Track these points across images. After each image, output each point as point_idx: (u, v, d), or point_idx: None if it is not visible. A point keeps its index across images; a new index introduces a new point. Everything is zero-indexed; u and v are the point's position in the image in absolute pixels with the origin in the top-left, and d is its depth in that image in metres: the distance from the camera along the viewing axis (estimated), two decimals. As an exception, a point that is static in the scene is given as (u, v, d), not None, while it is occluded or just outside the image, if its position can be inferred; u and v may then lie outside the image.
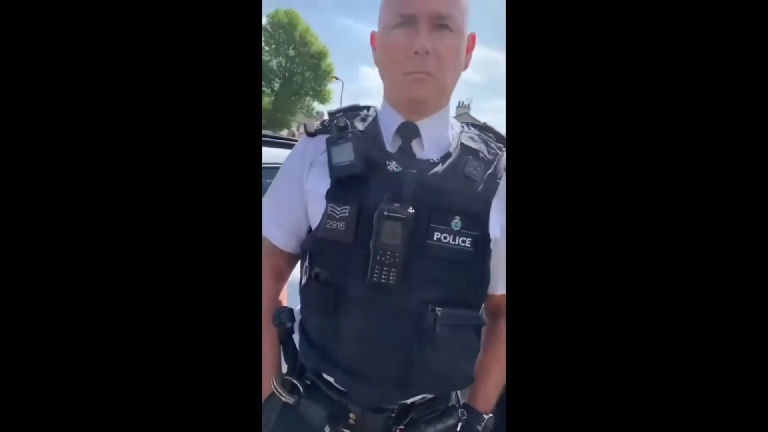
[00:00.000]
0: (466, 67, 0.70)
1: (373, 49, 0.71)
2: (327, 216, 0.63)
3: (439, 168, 0.65)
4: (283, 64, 22.94)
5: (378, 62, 0.70)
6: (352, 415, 0.66)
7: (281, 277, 0.79)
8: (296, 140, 0.83)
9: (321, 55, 22.90)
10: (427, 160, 0.66)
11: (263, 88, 22.49)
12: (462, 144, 0.68)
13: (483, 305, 0.72)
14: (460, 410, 0.69)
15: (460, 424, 0.69)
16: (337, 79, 23.95)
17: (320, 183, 0.66)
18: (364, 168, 0.64)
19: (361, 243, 0.61)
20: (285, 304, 0.78)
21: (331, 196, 0.64)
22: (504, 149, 0.70)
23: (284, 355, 0.74)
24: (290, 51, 22.72)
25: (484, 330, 0.70)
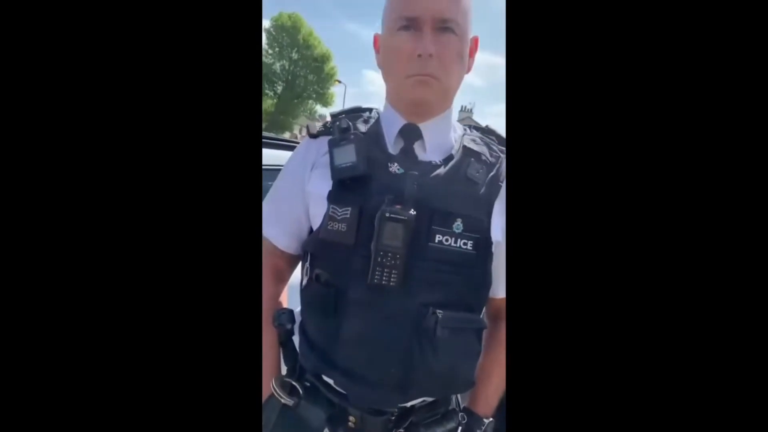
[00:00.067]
0: (468, 70, 0.70)
1: (376, 51, 0.71)
2: (328, 217, 0.63)
3: (441, 170, 0.65)
4: (286, 67, 23.05)
5: (381, 65, 0.70)
6: (351, 418, 0.66)
7: (282, 278, 0.79)
8: (298, 142, 0.83)
9: (324, 59, 23.00)
10: (429, 162, 0.66)
11: (266, 91, 22.60)
12: (464, 146, 0.68)
13: (484, 308, 0.72)
14: (460, 414, 0.69)
15: (460, 428, 0.68)
16: (339, 82, 24.04)
17: (322, 184, 0.66)
18: (366, 169, 0.64)
19: (362, 244, 0.61)
20: (285, 305, 0.78)
21: (333, 198, 0.64)
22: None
23: (284, 357, 0.74)
24: (293, 54, 22.83)
25: (485, 333, 0.70)
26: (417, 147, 0.68)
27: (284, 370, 0.74)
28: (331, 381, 0.67)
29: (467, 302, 0.65)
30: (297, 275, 0.75)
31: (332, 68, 23.35)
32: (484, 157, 0.68)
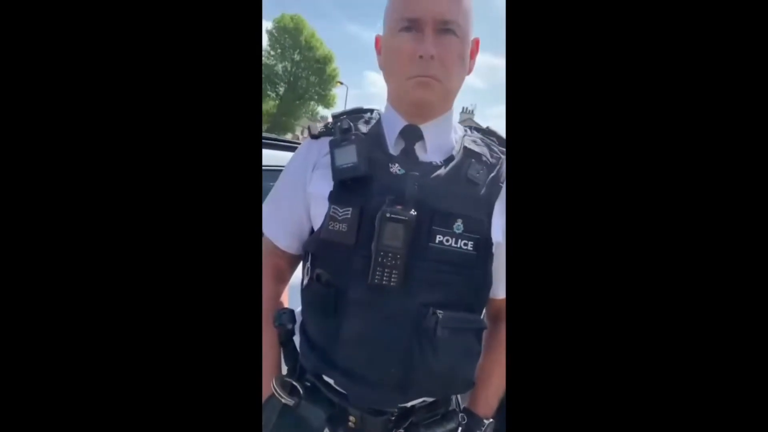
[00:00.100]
0: (470, 71, 0.70)
1: (378, 53, 0.72)
2: (329, 217, 0.63)
3: (442, 171, 0.65)
4: (289, 68, 23.09)
5: (382, 66, 0.70)
6: (351, 418, 0.66)
7: (282, 278, 0.79)
8: (300, 143, 0.83)
9: (326, 60, 23.04)
10: (430, 163, 0.67)
11: (268, 92, 22.64)
12: (465, 147, 0.68)
13: (485, 309, 0.72)
14: (460, 414, 0.69)
15: (460, 429, 0.68)
16: (341, 83, 24.07)
17: (323, 185, 0.66)
18: (367, 170, 0.64)
19: (362, 245, 0.61)
20: (286, 305, 0.78)
21: (334, 198, 0.64)
22: None
23: (284, 357, 0.74)
24: (295, 55, 22.88)
25: (485, 334, 0.70)
26: (418, 148, 0.68)
27: (285, 370, 0.74)
28: (331, 381, 0.67)
29: (467, 303, 0.65)
30: (298, 275, 0.76)
31: (334, 70, 23.39)
32: (484, 158, 0.68)
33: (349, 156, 0.64)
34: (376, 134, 0.69)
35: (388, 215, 0.59)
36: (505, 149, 0.71)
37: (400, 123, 0.69)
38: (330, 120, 0.73)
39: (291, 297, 0.80)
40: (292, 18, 22.53)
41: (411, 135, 0.68)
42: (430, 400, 0.68)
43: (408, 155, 0.67)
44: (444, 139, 0.70)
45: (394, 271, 0.60)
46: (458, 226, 0.62)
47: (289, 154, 0.81)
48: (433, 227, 0.62)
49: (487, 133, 0.75)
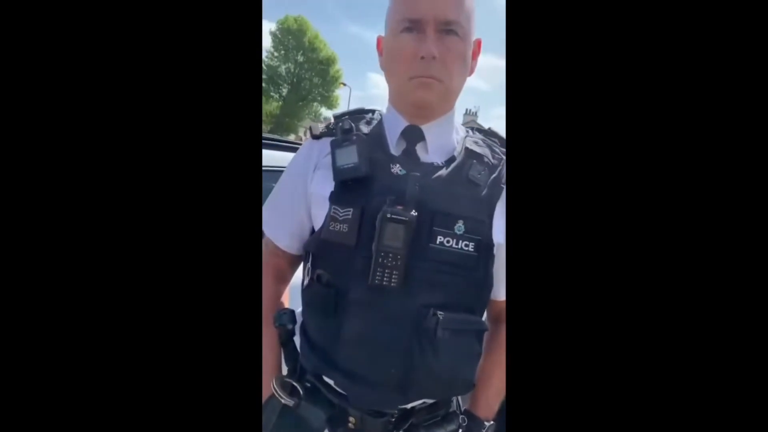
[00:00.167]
0: (471, 72, 0.70)
1: (379, 53, 0.72)
2: (330, 218, 0.63)
3: (443, 171, 0.65)
4: (292, 69, 23.17)
5: (384, 66, 0.70)
6: (351, 419, 0.66)
7: (283, 278, 0.79)
8: (302, 144, 0.84)
9: (329, 62, 23.10)
10: (431, 164, 0.66)
11: (271, 93, 22.72)
12: (466, 148, 0.68)
13: (486, 311, 0.72)
14: (460, 416, 0.69)
15: (460, 430, 0.68)
16: (345, 85, 24.13)
17: (324, 185, 0.66)
18: (368, 170, 0.64)
19: (363, 245, 0.61)
20: (286, 305, 0.78)
21: (335, 198, 0.64)
22: None
23: (285, 357, 0.74)
24: (299, 57, 22.95)
25: (486, 336, 0.70)
26: (419, 148, 0.68)
27: (285, 370, 0.74)
28: (331, 381, 0.67)
29: (468, 304, 0.65)
30: (299, 276, 0.76)
31: (337, 71, 23.45)
32: (486, 159, 0.68)
33: (350, 156, 0.64)
34: (378, 135, 0.69)
35: (388, 216, 0.59)
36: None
37: (402, 123, 0.69)
38: (331, 120, 0.73)
39: (292, 297, 0.80)
40: (295, 19, 22.62)
41: (412, 135, 0.68)
42: (430, 401, 0.68)
43: (409, 156, 0.67)
44: (445, 140, 0.70)
45: (394, 272, 0.60)
46: (459, 227, 0.62)
47: (291, 155, 0.81)
48: (434, 228, 0.62)
49: (489, 134, 0.75)
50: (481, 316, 0.69)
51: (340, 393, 0.66)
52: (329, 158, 0.66)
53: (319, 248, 0.66)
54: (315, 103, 24.00)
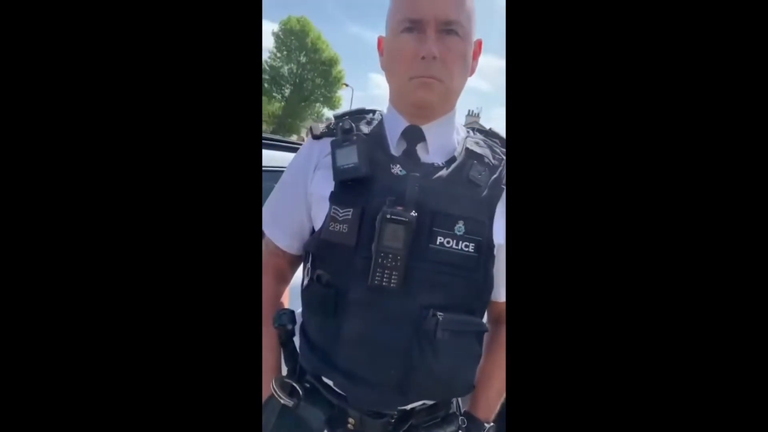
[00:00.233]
0: (472, 72, 0.70)
1: (380, 53, 0.72)
2: (330, 218, 0.63)
3: (444, 172, 0.65)
4: (294, 70, 23.21)
5: (384, 67, 0.70)
6: (351, 420, 0.66)
7: (283, 279, 0.79)
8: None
9: (332, 62, 23.14)
10: (432, 164, 0.66)
11: (274, 94, 22.77)
12: (467, 149, 0.68)
13: (486, 312, 0.72)
14: (460, 418, 0.68)
15: (460, 432, 0.68)
16: (347, 85, 24.17)
17: (324, 185, 0.66)
18: (368, 171, 0.64)
19: (363, 246, 0.61)
20: (286, 306, 0.78)
21: (335, 199, 0.64)
22: None
23: (285, 358, 0.74)
24: (301, 57, 23.00)
25: (486, 337, 0.70)
26: (420, 149, 0.68)
27: (285, 370, 0.74)
28: (330, 382, 0.67)
29: (468, 305, 0.65)
30: (299, 276, 0.76)
31: (340, 72, 23.48)
32: (486, 160, 0.68)
33: (350, 156, 0.64)
34: (378, 135, 0.69)
35: (388, 216, 0.59)
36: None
37: (402, 124, 0.69)
38: (332, 120, 0.73)
39: (292, 298, 0.80)
40: (298, 20, 22.67)
41: (413, 136, 0.68)
42: (430, 402, 0.67)
43: (410, 156, 0.67)
44: (446, 140, 0.70)
45: (394, 273, 0.59)
46: (459, 227, 0.62)
47: (293, 156, 0.81)
48: (434, 229, 0.62)
49: (490, 134, 0.75)
50: (482, 317, 0.69)
51: (340, 394, 0.66)
52: (329, 158, 0.66)
53: (318, 248, 0.66)
54: (317, 104, 24.05)
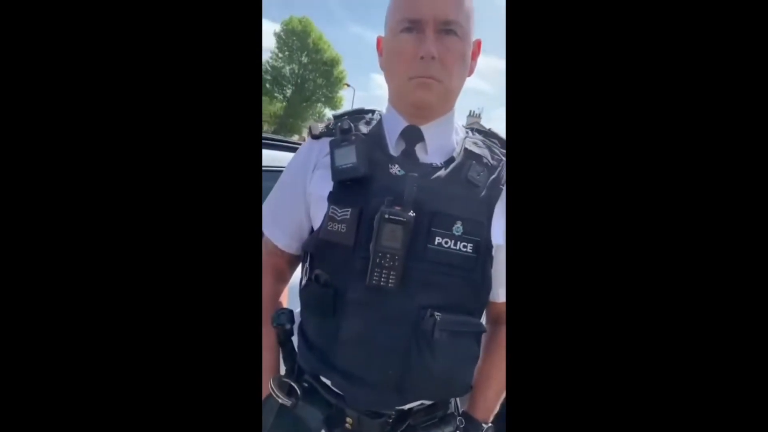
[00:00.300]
0: (471, 72, 0.70)
1: (379, 53, 0.72)
2: (328, 218, 0.63)
3: (442, 172, 0.65)
4: (296, 70, 23.23)
5: (384, 66, 0.70)
6: (348, 420, 0.65)
7: (282, 278, 0.79)
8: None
9: (333, 63, 23.15)
10: (430, 164, 0.66)
11: (275, 94, 22.78)
12: (466, 149, 0.68)
13: (484, 312, 0.72)
14: (458, 418, 0.68)
15: (458, 432, 0.68)
16: (348, 86, 24.18)
17: (323, 185, 0.66)
18: (367, 171, 0.64)
19: (361, 246, 0.61)
20: (285, 305, 0.78)
21: (333, 199, 0.64)
22: None
23: (283, 357, 0.74)
24: (303, 58, 23.01)
25: (484, 337, 0.70)
26: (418, 149, 0.68)
27: (283, 370, 0.74)
28: (328, 382, 0.67)
29: (466, 305, 0.65)
30: (297, 276, 0.76)
31: (341, 72, 23.49)
32: (485, 160, 0.68)
33: (348, 156, 0.64)
34: (377, 135, 0.69)
35: (386, 216, 0.59)
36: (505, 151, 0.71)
37: (401, 124, 0.69)
38: (331, 120, 0.73)
39: (291, 298, 0.80)
40: (300, 21, 22.69)
41: (411, 136, 0.68)
42: (428, 402, 0.67)
43: (408, 156, 0.67)
44: (445, 141, 0.70)
45: (392, 273, 0.59)
46: (458, 228, 0.62)
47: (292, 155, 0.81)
48: (432, 229, 0.62)
49: (489, 134, 0.75)
50: (480, 317, 0.69)
51: (338, 393, 0.66)
52: (328, 158, 0.66)
53: (317, 248, 0.66)
54: (319, 104, 24.06)
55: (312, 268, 0.67)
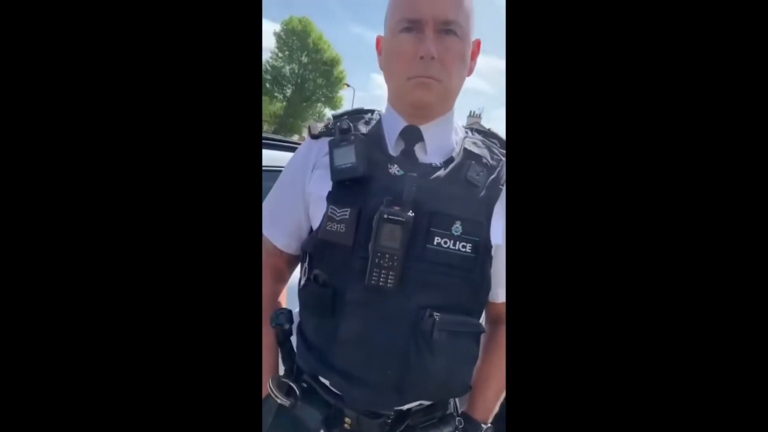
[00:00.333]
0: (470, 72, 0.70)
1: (379, 53, 0.71)
2: (327, 218, 0.63)
3: (441, 172, 0.65)
4: (296, 70, 23.23)
5: (383, 66, 0.70)
6: (347, 420, 0.65)
7: (281, 278, 0.79)
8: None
9: (333, 63, 23.15)
10: (430, 164, 0.66)
11: (275, 94, 22.78)
12: (465, 149, 0.68)
13: (484, 313, 0.72)
14: (457, 419, 0.68)
15: (457, 433, 0.68)
16: (348, 86, 24.18)
17: (322, 185, 0.66)
18: (366, 171, 0.63)
19: (360, 245, 0.61)
20: (284, 305, 0.78)
21: (332, 198, 0.64)
22: None
23: (282, 357, 0.74)
24: (303, 58, 23.01)
25: (483, 338, 0.70)
26: (418, 149, 0.68)
27: (282, 370, 0.74)
28: (327, 382, 0.67)
29: (465, 306, 0.65)
30: (296, 276, 0.76)
31: (341, 72, 23.49)
32: (485, 160, 0.68)
33: (347, 156, 0.64)
34: (376, 135, 0.69)
35: (385, 216, 0.59)
36: (505, 151, 0.71)
37: (401, 124, 0.69)
38: (330, 120, 0.73)
39: (290, 298, 0.80)
40: (300, 20, 22.69)
41: (411, 136, 0.68)
42: (427, 403, 0.67)
43: (408, 156, 0.67)
44: (444, 141, 0.70)
45: (390, 273, 0.59)
46: (457, 228, 0.62)
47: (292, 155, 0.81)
48: (432, 229, 0.62)
49: (489, 135, 0.74)
50: (479, 318, 0.69)
51: (337, 393, 0.66)
52: (327, 158, 0.66)
53: (316, 248, 0.66)
54: (319, 104, 24.06)
55: (311, 268, 0.67)
